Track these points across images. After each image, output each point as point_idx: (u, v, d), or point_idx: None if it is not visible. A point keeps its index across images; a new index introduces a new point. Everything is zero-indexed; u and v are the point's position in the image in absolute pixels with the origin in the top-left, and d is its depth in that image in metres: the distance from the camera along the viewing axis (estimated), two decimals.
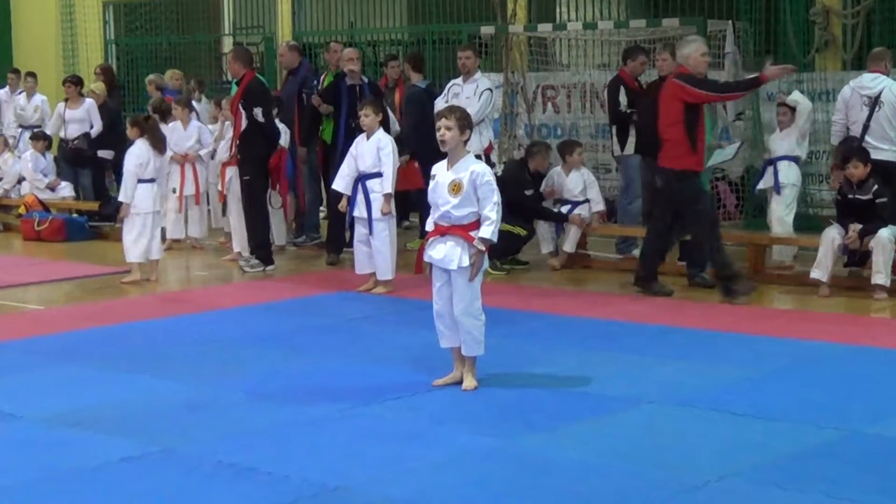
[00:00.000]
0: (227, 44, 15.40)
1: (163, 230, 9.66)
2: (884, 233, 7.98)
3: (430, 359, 6.06)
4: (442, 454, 4.74)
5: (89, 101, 12.57)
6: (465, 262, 5.61)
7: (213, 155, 10.71)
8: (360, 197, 8.42)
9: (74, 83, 12.65)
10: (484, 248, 5.63)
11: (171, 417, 5.34)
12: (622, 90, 9.66)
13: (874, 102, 8.63)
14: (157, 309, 8.14)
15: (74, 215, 12.08)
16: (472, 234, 5.61)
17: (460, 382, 5.74)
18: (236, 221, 9.88)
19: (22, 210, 12.18)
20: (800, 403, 5.42)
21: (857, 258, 8.50)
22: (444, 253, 5.65)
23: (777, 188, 9.17)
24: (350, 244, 9.09)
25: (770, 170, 9.25)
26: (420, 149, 9.86)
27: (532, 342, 6.79)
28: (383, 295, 8.39)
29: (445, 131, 5.64)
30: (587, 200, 9.64)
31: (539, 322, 7.39)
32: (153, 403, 5.58)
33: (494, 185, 5.65)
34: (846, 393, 5.63)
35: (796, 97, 9.25)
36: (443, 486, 4.38)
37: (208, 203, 11.13)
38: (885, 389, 5.72)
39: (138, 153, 9.02)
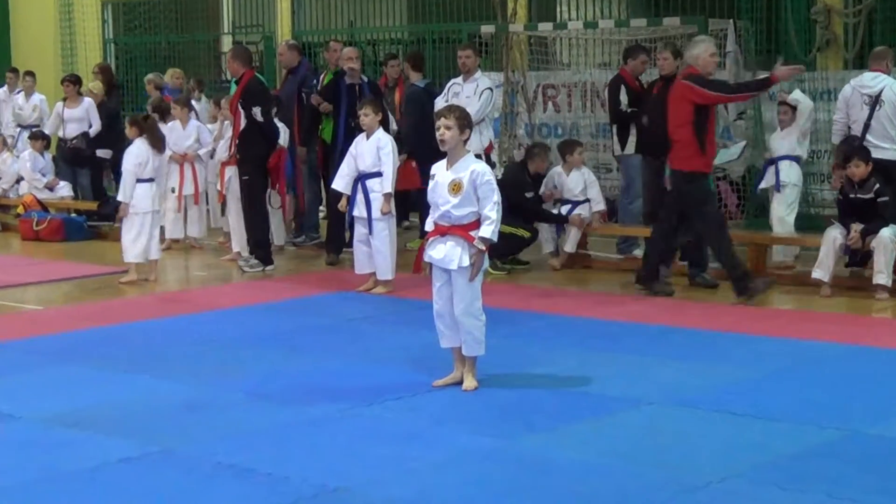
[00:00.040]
0: (227, 43, 15.38)
1: (162, 230, 9.64)
2: (885, 232, 7.97)
3: (431, 359, 6.05)
4: (442, 454, 4.73)
5: (88, 101, 12.55)
6: (466, 261, 5.60)
7: (212, 154, 10.69)
8: (359, 196, 8.40)
9: (73, 82, 12.63)
10: (484, 248, 5.61)
11: (171, 418, 5.33)
12: (623, 89, 9.64)
13: (875, 101, 8.62)
14: (156, 309, 8.12)
15: (73, 215, 12.06)
16: (473, 233, 5.60)
17: (460, 383, 5.73)
18: (235, 221, 9.87)
19: (20, 210, 12.16)
20: (801, 404, 5.41)
21: (858, 258, 8.49)
22: (445, 253, 5.64)
23: (778, 187, 9.15)
24: (350, 244, 9.08)
25: (771, 169, 9.24)
26: (419, 148, 9.84)
27: (532, 342, 6.78)
28: (383, 295, 8.38)
29: (445, 131, 5.63)
30: (588, 200, 9.62)
31: (539, 322, 7.38)
32: (152, 404, 5.57)
33: (494, 185, 5.64)
34: (847, 393, 5.62)
35: (797, 96, 9.23)
36: (443, 486, 4.37)
37: (207, 203, 11.11)
38: (886, 389, 5.71)
39: (137, 152, 9.00)
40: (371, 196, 8.35)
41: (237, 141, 9.52)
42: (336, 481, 4.40)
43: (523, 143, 11.05)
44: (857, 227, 8.03)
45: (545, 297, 8.31)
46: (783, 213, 9.13)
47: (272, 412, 5.38)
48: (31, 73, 13.76)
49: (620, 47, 10.88)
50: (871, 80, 8.73)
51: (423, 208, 7.42)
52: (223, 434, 5.04)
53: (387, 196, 8.34)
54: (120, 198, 9.08)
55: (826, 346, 6.64)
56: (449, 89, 9.81)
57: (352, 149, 8.53)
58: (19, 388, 5.93)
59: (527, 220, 9.40)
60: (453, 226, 5.64)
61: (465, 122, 5.68)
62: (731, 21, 10.38)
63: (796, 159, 9.23)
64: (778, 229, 9.17)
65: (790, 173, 9.17)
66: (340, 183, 8.50)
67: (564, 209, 9.59)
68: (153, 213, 9.09)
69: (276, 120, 9.77)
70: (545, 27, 11.40)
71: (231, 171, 9.87)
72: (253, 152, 9.42)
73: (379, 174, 8.35)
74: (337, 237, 9.76)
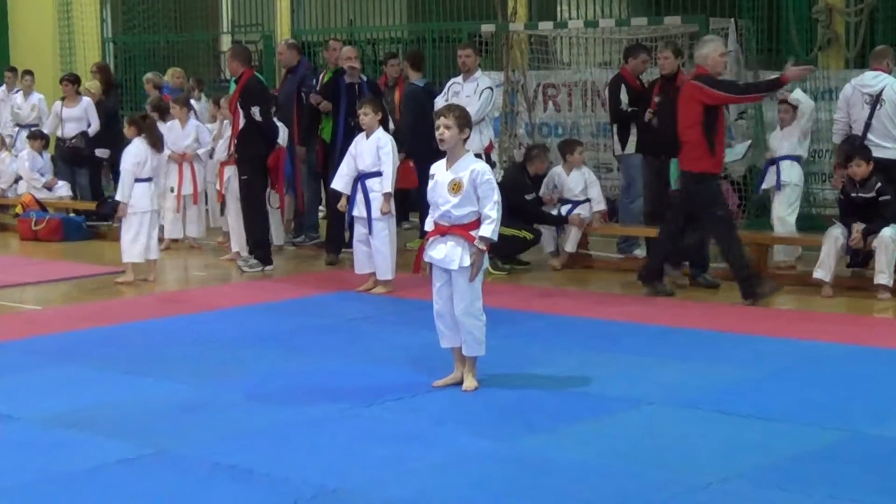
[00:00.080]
0: (226, 42, 15.36)
1: (161, 229, 9.63)
2: (886, 232, 7.95)
3: (430, 359, 6.03)
4: (442, 455, 4.72)
5: (87, 100, 12.52)
6: (466, 261, 5.59)
7: (211, 154, 10.67)
8: (359, 196, 8.38)
9: (72, 81, 12.61)
10: (485, 248, 5.60)
11: (169, 418, 5.31)
12: (623, 89, 9.61)
13: (876, 101, 8.61)
14: (155, 309, 8.10)
15: (72, 215, 12.04)
16: (473, 233, 5.58)
17: (460, 383, 5.72)
18: (235, 221, 9.85)
19: (19, 210, 12.14)
20: (802, 404, 5.39)
21: (860, 258, 8.46)
22: (445, 253, 5.62)
23: (779, 186, 9.13)
24: (349, 244, 9.06)
25: (772, 169, 9.22)
26: (417, 147, 9.82)
27: (533, 342, 6.77)
28: (383, 295, 8.36)
29: (444, 130, 5.61)
30: (588, 200, 9.61)
31: (540, 322, 7.37)
32: (151, 404, 5.55)
33: (494, 184, 5.63)
34: (849, 394, 5.60)
35: (798, 96, 9.20)
36: (443, 487, 4.36)
37: (206, 202, 11.09)
38: (887, 390, 5.70)
39: (136, 152, 8.98)
40: (371, 196, 8.33)
41: (236, 140, 9.50)
42: (335, 482, 4.39)
43: (523, 143, 11.03)
44: (858, 227, 8.01)
45: (545, 297, 8.30)
46: (784, 212, 9.11)
47: (271, 413, 5.36)
48: (29, 73, 13.73)
49: (621, 46, 10.86)
50: (871, 80, 8.72)
51: (424, 208, 7.41)
52: (222, 434, 5.02)
53: (386, 196, 8.32)
54: (118, 197, 9.07)
55: (827, 347, 6.63)
56: (449, 88, 9.80)
57: (351, 148, 8.51)
58: (18, 388, 5.91)
59: (526, 222, 9.38)
60: (453, 225, 5.63)
61: (464, 121, 5.66)
62: (733, 20, 10.36)
63: (797, 159, 9.21)
64: (779, 229, 9.15)
65: (791, 173, 9.15)
66: (340, 182, 8.48)
67: (565, 209, 9.57)
68: (151, 213, 9.08)
69: (275, 119, 9.75)
70: (545, 26, 11.37)
71: (230, 171, 9.85)
72: (252, 152, 9.40)
73: (379, 174, 8.33)
74: (336, 237, 9.74)
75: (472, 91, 9.54)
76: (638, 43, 10.38)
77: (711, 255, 8.65)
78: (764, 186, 9.41)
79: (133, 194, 8.94)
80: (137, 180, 8.95)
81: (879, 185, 8.09)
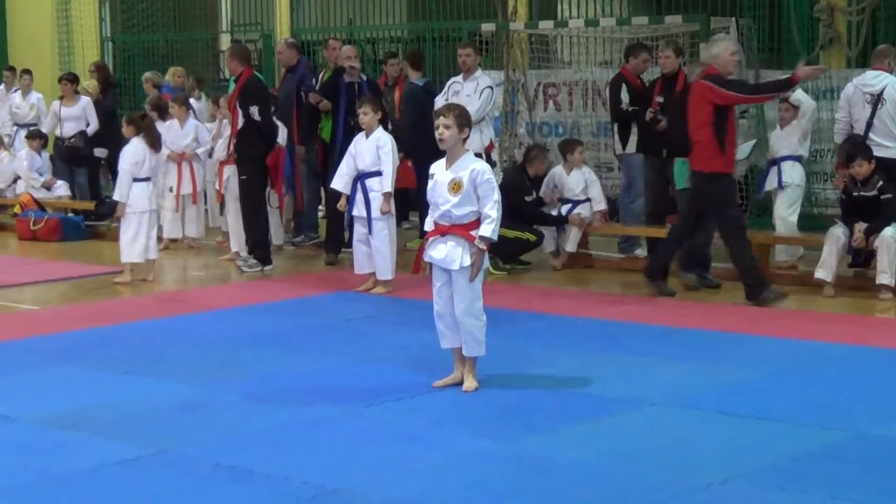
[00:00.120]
0: (225, 41, 15.34)
1: (160, 229, 9.61)
2: (888, 232, 7.93)
3: (431, 359, 6.02)
4: (442, 456, 4.71)
5: (85, 99, 12.50)
6: (467, 261, 5.57)
7: (210, 153, 10.65)
8: (359, 196, 8.36)
9: (70, 80, 12.58)
10: (485, 248, 5.58)
11: (169, 419, 5.30)
12: (624, 88, 9.60)
13: (877, 100, 8.59)
14: (155, 309, 8.09)
15: (70, 214, 12.02)
16: (473, 233, 5.57)
17: (461, 383, 5.70)
18: (234, 221, 9.83)
19: (17, 209, 12.11)
20: (803, 405, 5.38)
21: (861, 258, 8.44)
22: (445, 253, 5.61)
23: (781, 186, 9.10)
24: (349, 244, 9.04)
25: (774, 170, 9.19)
26: (416, 147, 9.79)
27: (533, 343, 6.76)
28: (383, 295, 8.34)
29: (444, 130, 5.60)
30: (588, 199, 9.59)
31: (540, 322, 7.35)
32: (150, 404, 5.54)
33: (495, 183, 5.62)
34: (850, 394, 5.59)
35: (799, 96, 9.17)
36: (443, 487, 4.35)
37: (206, 202, 11.07)
38: (889, 390, 5.68)
39: (134, 151, 8.96)
40: (370, 195, 8.31)
41: (235, 140, 9.48)
42: (335, 482, 4.38)
43: (524, 142, 11.02)
44: (860, 227, 7.99)
45: (546, 297, 8.29)
46: (786, 212, 9.09)
47: (271, 413, 5.35)
48: (28, 72, 13.70)
49: (622, 45, 10.84)
50: (873, 79, 8.70)
51: (423, 208, 7.40)
52: (222, 435, 5.01)
53: (386, 195, 8.30)
54: (116, 197, 9.05)
55: (829, 347, 6.61)
56: (449, 88, 9.78)
57: (351, 148, 8.49)
58: (16, 388, 5.90)
59: (527, 224, 9.36)
60: (453, 225, 5.61)
61: (463, 120, 5.64)
62: (734, 19, 10.34)
63: (798, 159, 9.19)
64: (781, 229, 9.13)
65: (793, 174, 9.12)
66: (339, 182, 8.47)
67: (565, 208, 9.55)
68: (150, 213, 9.06)
69: (274, 119, 9.73)
70: (546, 25, 11.36)
71: (230, 171, 9.83)
72: (251, 152, 9.37)
73: (378, 173, 8.31)
74: (336, 237, 9.72)
75: (472, 90, 9.52)
76: (639, 42, 10.37)
77: (714, 254, 8.62)
78: (766, 188, 9.38)
79: (131, 194, 8.92)
80: (135, 180, 8.94)
81: (881, 183, 8.08)
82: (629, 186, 9.85)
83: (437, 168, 5.71)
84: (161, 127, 10.02)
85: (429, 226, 5.77)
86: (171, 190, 10.61)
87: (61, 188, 12.47)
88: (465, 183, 5.54)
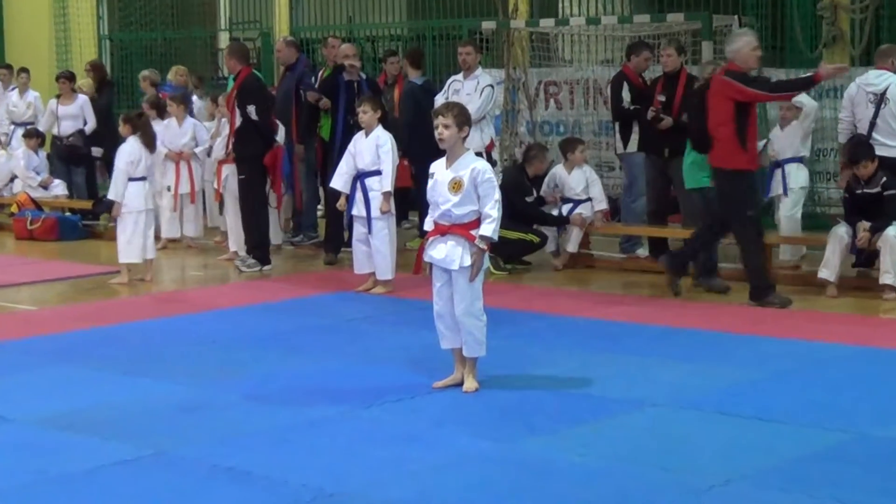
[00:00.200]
0: (224, 39, 15.33)
1: (157, 229, 9.58)
2: (891, 231, 7.90)
3: (431, 360, 6.00)
4: (442, 457, 4.69)
5: (83, 98, 12.46)
6: (467, 261, 5.55)
7: (209, 152, 10.62)
8: (358, 195, 8.33)
9: (68, 79, 12.55)
10: (485, 247, 5.55)
11: (167, 419, 5.28)
12: (625, 86, 9.56)
13: (880, 99, 8.55)
14: (153, 309, 8.07)
15: (67, 214, 11.99)
16: (473, 232, 5.54)
17: (461, 384, 5.68)
18: (233, 220, 9.80)
19: (14, 209, 12.09)
20: (805, 405, 5.36)
21: (864, 258, 8.41)
22: (446, 253, 5.58)
23: (785, 192, 9.06)
24: (348, 243, 9.01)
25: (778, 174, 9.13)
26: (414, 146, 9.76)
27: (534, 343, 6.73)
28: (383, 295, 8.31)
29: (443, 129, 5.57)
30: (589, 199, 9.56)
31: (541, 323, 7.33)
32: (149, 405, 5.52)
33: (495, 183, 5.60)
34: (853, 395, 5.57)
35: (801, 97, 9.13)
36: (443, 488, 4.33)
37: (204, 202, 11.04)
38: (892, 391, 5.66)
39: (130, 150, 8.93)
40: (370, 195, 8.28)
41: (233, 139, 9.45)
42: (335, 484, 4.36)
43: (524, 141, 10.99)
44: (864, 226, 7.96)
45: (547, 298, 8.26)
46: (789, 212, 9.06)
47: (270, 414, 5.33)
48: (25, 70, 13.67)
49: (623, 44, 10.83)
50: (876, 78, 8.67)
51: (423, 207, 7.38)
52: (220, 436, 4.99)
53: (386, 195, 8.27)
54: (112, 196, 9.02)
55: (832, 347, 6.59)
56: (449, 86, 9.75)
57: (350, 147, 8.46)
58: (13, 389, 5.87)
59: (527, 224, 9.34)
60: (454, 225, 5.58)
61: (463, 119, 5.61)
62: (736, 17, 10.32)
63: (801, 160, 9.16)
64: (784, 229, 9.10)
65: (798, 177, 9.07)
66: (339, 181, 8.43)
67: (566, 208, 9.52)
68: (147, 212, 9.02)
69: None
70: (547, 23, 11.34)
71: (228, 170, 9.80)
72: (249, 151, 9.34)
73: (378, 172, 8.28)
74: (335, 236, 9.70)
75: (472, 89, 9.49)
76: (640, 40, 10.34)
77: (721, 255, 8.58)
78: (771, 194, 9.31)
79: (127, 194, 8.88)
80: (131, 179, 8.90)
81: (885, 179, 8.04)
82: (630, 186, 9.82)
83: (438, 167, 5.68)
84: (159, 126, 10.00)
85: (429, 225, 5.75)
86: (168, 189, 10.58)
87: (58, 187, 12.44)
88: (465, 182, 5.52)
